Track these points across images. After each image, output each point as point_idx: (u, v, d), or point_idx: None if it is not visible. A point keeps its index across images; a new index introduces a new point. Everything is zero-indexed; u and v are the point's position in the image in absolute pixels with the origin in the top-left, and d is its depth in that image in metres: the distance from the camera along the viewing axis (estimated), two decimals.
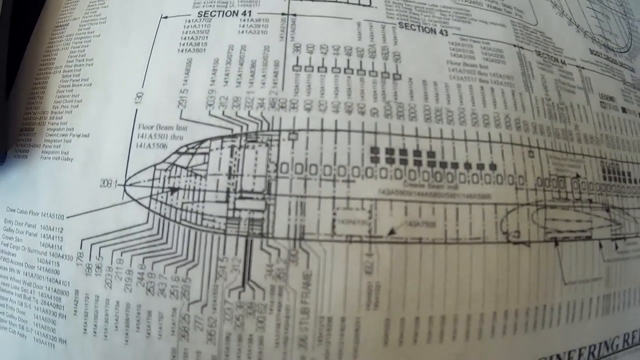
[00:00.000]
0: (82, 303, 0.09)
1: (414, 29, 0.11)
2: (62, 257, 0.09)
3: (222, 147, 0.09)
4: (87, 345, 0.09)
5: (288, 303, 0.09)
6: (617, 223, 0.12)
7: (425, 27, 0.11)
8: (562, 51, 0.14)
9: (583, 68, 0.14)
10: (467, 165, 0.10)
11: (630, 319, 0.12)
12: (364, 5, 0.11)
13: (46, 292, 0.10)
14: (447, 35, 0.11)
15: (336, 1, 0.11)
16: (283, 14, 0.11)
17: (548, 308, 0.10)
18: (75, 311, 0.09)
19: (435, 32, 0.11)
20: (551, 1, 0.15)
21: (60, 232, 0.10)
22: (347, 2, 0.11)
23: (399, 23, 0.11)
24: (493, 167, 0.10)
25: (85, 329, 0.09)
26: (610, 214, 0.12)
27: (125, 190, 0.09)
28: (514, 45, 0.12)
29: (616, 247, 0.12)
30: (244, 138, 0.09)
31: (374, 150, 0.09)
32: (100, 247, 0.09)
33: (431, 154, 0.10)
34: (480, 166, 0.10)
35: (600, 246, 0.12)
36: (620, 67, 0.15)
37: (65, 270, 0.09)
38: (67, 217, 0.10)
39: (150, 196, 0.09)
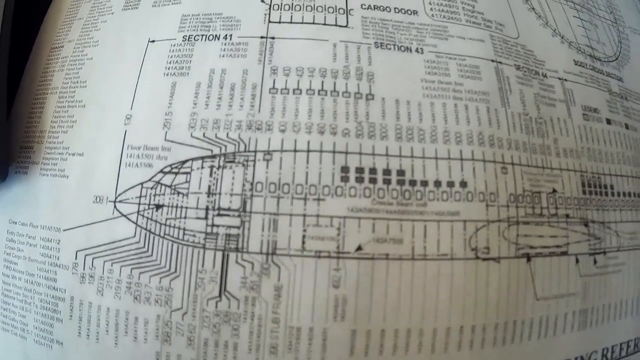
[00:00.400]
0: (77, 309, 0.11)
1: (390, 48, 0.12)
2: (59, 266, 0.11)
3: (202, 167, 0.10)
4: (81, 347, 0.11)
5: (260, 313, 0.10)
6: (597, 237, 0.13)
7: (401, 46, 0.12)
8: (544, 63, 0.14)
9: (566, 80, 0.14)
10: (437, 183, 0.11)
11: (609, 334, 0.13)
12: (340, 26, 0.12)
13: (45, 298, 0.11)
14: (422, 53, 0.12)
15: (314, 23, 0.12)
16: (262, 37, 0.12)
17: (519, 323, 0.11)
18: (71, 316, 0.11)
19: (410, 51, 0.12)
20: (535, 12, 0.15)
21: (58, 243, 0.11)
22: (324, 24, 0.12)
23: (375, 43, 0.12)
24: (463, 184, 0.11)
25: (79, 332, 0.11)
26: (589, 229, 0.13)
27: (115, 206, 0.11)
28: (492, 61, 0.13)
29: (595, 262, 0.13)
30: (222, 159, 0.10)
31: (344, 169, 0.10)
32: (93, 258, 0.11)
33: (401, 172, 0.10)
34: (451, 184, 0.11)
35: (577, 261, 0.12)
36: (606, 77, 0.16)
37: (62, 279, 0.11)
38: (64, 230, 0.11)
39: (138, 212, 0.10)
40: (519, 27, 0.15)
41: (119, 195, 0.11)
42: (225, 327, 0.10)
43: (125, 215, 0.11)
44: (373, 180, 0.11)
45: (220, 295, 0.10)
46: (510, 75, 0.13)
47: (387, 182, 0.11)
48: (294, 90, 0.11)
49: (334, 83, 0.11)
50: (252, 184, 0.10)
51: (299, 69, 0.11)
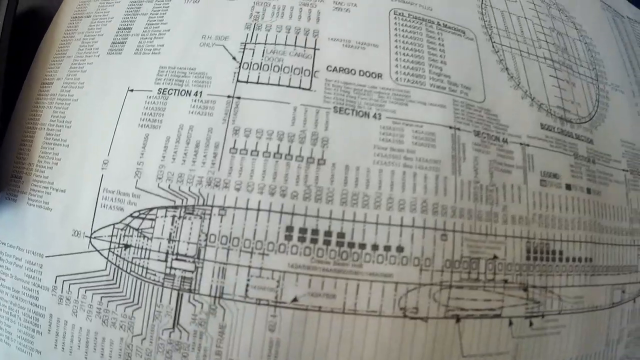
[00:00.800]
0: (55, 325, 0.14)
1: (348, 113, 0.14)
2: (41, 287, 0.14)
3: (165, 216, 0.13)
4: (57, 357, 0.14)
5: (206, 346, 0.13)
6: (536, 302, 0.15)
7: (360, 111, 0.14)
8: (507, 128, 0.16)
9: (528, 145, 0.16)
10: (374, 247, 0.13)
11: None
12: (304, 89, 0.14)
13: (27, 312, 0.14)
14: (380, 118, 0.14)
15: (279, 85, 0.14)
16: (229, 96, 0.14)
17: None
18: (49, 330, 0.14)
19: (368, 116, 0.14)
20: (508, 72, 0.17)
21: (40, 267, 0.14)
22: (289, 86, 0.14)
23: (334, 107, 0.14)
24: (400, 249, 0.13)
25: (55, 345, 0.14)
26: (529, 293, 0.15)
27: (90, 241, 0.14)
28: (450, 127, 0.15)
29: (531, 324, 0.15)
30: (183, 210, 0.13)
31: (289, 229, 0.13)
32: (70, 284, 0.14)
33: (341, 235, 0.13)
34: (387, 248, 0.13)
35: (511, 323, 0.15)
36: (574, 140, 0.17)
37: (43, 298, 0.14)
38: (46, 256, 0.14)
39: (109, 249, 0.13)
40: (487, 89, 0.17)
41: (94, 232, 0.14)
42: (176, 354, 0.13)
43: (98, 251, 0.14)
44: (314, 241, 0.13)
45: (173, 327, 0.13)
46: (467, 142, 0.15)
47: (327, 242, 0.13)
48: (251, 151, 0.14)
49: (290, 147, 0.14)
50: (206, 235, 0.13)
51: (259, 131, 0.14)
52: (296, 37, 0.16)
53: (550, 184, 0.17)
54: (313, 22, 0.16)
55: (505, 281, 0.15)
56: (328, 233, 0.14)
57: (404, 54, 0.16)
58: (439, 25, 0.18)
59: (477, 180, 0.15)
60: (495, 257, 0.15)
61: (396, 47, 0.16)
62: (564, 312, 0.16)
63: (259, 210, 0.14)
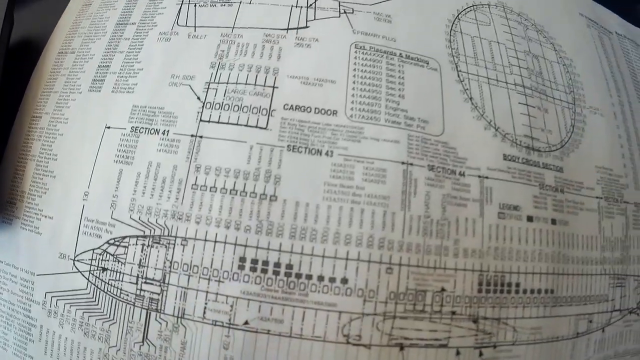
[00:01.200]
0: (44, 334, 0.18)
1: (300, 152, 0.17)
2: (33, 301, 0.18)
3: (136, 244, 0.17)
4: None
5: (170, 358, 0.16)
6: (487, 333, 0.18)
7: (312, 149, 0.17)
8: (465, 161, 0.18)
9: (487, 178, 0.18)
10: (320, 278, 0.16)
11: None
12: (260, 128, 0.17)
13: (22, 323, 0.18)
14: (331, 156, 0.17)
15: (237, 124, 0.17)
16: (192, 135, 0.17)
17: None
18: (40, 339, 0.18)
19: (320, 154, 0.17)
20: (472, 102, 0.19)
21: (32, 284, 0.18)
22: (247, 125, 0.17)
23: (287, 146, 0.17)
24: (344, 281, 0.16)
25: (45, 351, 0.18)
26: (479, 325, 0.18)
27: (74, 263, 0.17)
28: (403, 163, 0.17)
29: (480, 354, 0.18)
30: (151, 239, 0.17)
31: (242, 259, 0.16)
32: (57, 300, 0.18)
33: (289, 266, 0.16)
34: (332, 279, 0.16)
35: (458, 353, 0.17)
36: (541, 170, 0.19)
37: (34, 311, 0.18)
38: (37, 275, 0.18)
39: (89, 271, 0.17)
40: (447, 121, 0.19)
41: (77, 255, 0.18)
42: None
43: (80, 272, 0.18)
44: (264, 271, 0.16)
45: (143, 341, 0.17)
46: (419, 177, 0.18)
47: (276, 273, 0.16)
48: (210, 188, 0.17)
49: (245, 184, 0.17)
50: (171, 262, 0.17)
51: (218, 169, 0.17)
52: (257, 76, 0.19)
53: (510, 216, 0.19)
54: (274, 59, 0.19)
55: (453, 313, 0.18)
56: (277, 264, 0.17)
57: (361, 89, 0.19)
58: (401, 57, 0.20)
59: (428, 215, 0.18)
60: (443, 289, 0.18)
61: (354, 82, 0.19)
62: (519, 342, 0.19)
63: (215, 241, 0.17)
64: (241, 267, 0.17)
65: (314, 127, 0.18)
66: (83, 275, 0.18)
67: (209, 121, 0.18)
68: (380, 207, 0.18)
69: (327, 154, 0.18)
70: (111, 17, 0.21)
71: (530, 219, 0.20)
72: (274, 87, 0.19)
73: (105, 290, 0.18)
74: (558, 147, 0.21)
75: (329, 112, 0.19)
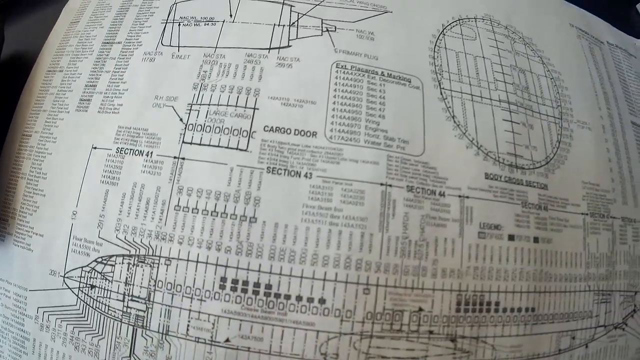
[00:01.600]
0: (37, 347, 0.19)
1: (280, 173, 0.18)
2: (26, 315, 0.20)
3: (122, 263, 0.18)
4: None
5: None
6: (465, 351, 0.19)
7: (292, 171, 0.18)
8: (446, 181, 0.19)
9: (467, 197, 0.19)
10: (299, 298, 0.17)
11: None
12: (241, 150, 0.18)
13: (16, 336, 0.20)
14: (310, 177, 0.18)
15: (218, 146, 0.18)
16: (175, 157, 0.18)
17: None
18: (33, 352, 0.20)
19: (299, 176, 0.18)
20: (454, 121, 0.20)
21: (25, 299, 0.20)
22: (227, 147, 0.18)
23: (267, 168, 0.18)
24: (322, 301, 0.17)
25: None
26: (457, 344, 0.19)
27: (64, 280, 0.19)
28: (381, 184, 0.18)
29: None
30: (136, 258, 0.18)
31: (223, 279, 0.17)
32: (49, 315, 0.19)
33: (268, 286, 0.17)
34: (310, 299, 0.17)
35: None
36: (524, 188, 0.20)
37: (27, 324, 0.20)
38: (30, 290, 0.20)
39: (79, 288, 0.19)
40: (428, 141, 0.20)
41: (66, 273, 0.19)
42: None
43: (70, 289, 0.19)
44: (244, 291, 0.17)
45: (130, 356, 0.18)
46: (398, 198, 0.19)
47: (255, 292, 0.17)
48: (192, 209, 0.18)
49: (225, 205, 0.18)
50: (155, 281, 0.18)
51: (199, 191, 0.18)
52: (238, 97, 0.20)
53: (490, 236, 0.20)
54: (255, 80, 0.20)
55: (431, 332, 0.19)
56: (257, 284, 0.18)
57: (341, 110, 0.20)
58: (383, 75, 0.21)
59: (406, 236, 0.19)
60: (420, 309, 0.19)
61: (334, 103, 0.20)
62: None
63: (197, 262, 0.18)
64: (222, 287, 0.18)
65: (293, 149, 0.19)
66: (73, 292, 0.20)
67: (190, 143, 0.19)
68: (358, 229, 0.19)
69: (306, 175, 0.19)
70: (98, 36, 0.23)
71: (511, 237, 0.21)
72: (254, 108, 0.20)
73: (94, 307, 0.19)
74: (543, 164, 0.22)
75: (308, 134, 0.20)
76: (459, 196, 0.20)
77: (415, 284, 0.19)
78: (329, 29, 0.22)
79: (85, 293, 0.20)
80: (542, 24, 0.25)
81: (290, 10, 0.23)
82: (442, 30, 0.24)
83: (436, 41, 0.23)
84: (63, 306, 0.20)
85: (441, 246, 0.20)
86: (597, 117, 0.24)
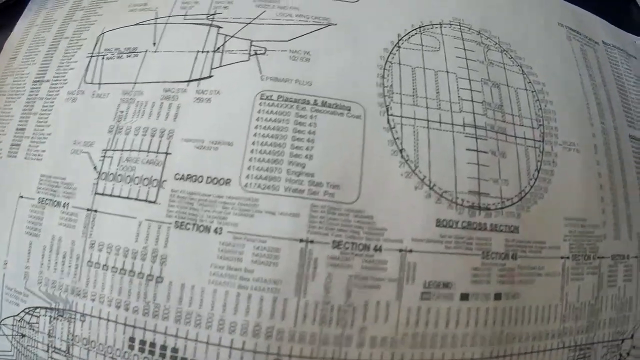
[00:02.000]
0: None
1: (188, 229, 0.17)
2: None
3: (45, 315, 0.19)
4: None
5: None
6: None
7: (201, 226, 0.17)
8: (384, 232, 0.17)
9: (410, 251, 0.17)
10: None
11: None
12: (149, 202, 0.18)
13: None
14: (220, 233, 0.17)
15: (128, 197, 0.18)
16: (88, 209, 0.18)
17: None
18: None
19: (209, 231, 0.17)
20: (402, 155, 0.17)
21: None
22: (137, 199, 0.18)
23: (175, 222, 0.17)
24: None
25: None
26: None
27: (1, 327, 0.20)
28: (300, 240, 0.16)
29: None
30: (56, 312, 0.18)
31: (131, 339, 0.17)
32: None
33: (175, 350, 0.17)
34: None
35: None
36: (487, 234, 0.17)
37: None
38: None
39: (12, 335, 0.20)
40: (365, 184, 0.17)
41: (1, 320, 0.20)
42: None
43: (5, 335, 0.20)
44: (152, 352, 0.17)
45: None
46: (320, 256, 0.17)
47: (162, 355, 0.17)
48: (103, 266, 0.18)
49: (133, 263, 0.17)
50: (73, 335, 0.18)
51: (109, 246, 0.18)
52: (151, 140, 0.19)
53: (437, 296, 0.17)
54: (170, 120, 0.19)
55: None
56: (163, 347, 0.17)
57: (260, 151, 0.18)
58: (316, 104, 0.18)
59: (327, 301, 0.17)
60: None
61: (254, 143, 0.18)
62: None
63: (108, 320, 0.18)
64: (131, 347, 0.18)
65: (203, 200, 0.18)
66: (8, 339, 0.21)
67: (103, 194, 0.19)
68: (269, 293, 0.17)
69: (215, 231, 0.18)
70: (30, 73, 0.23)
71: (464, 297, 0.18)
72: (166, 153, 0.19)
73: (25, 355, 0.20)
74: (515, 201, 0.18)
75: (221, 182, 0.18)
76: (400, 250, 0.18)
77: (336, 355, 0.17)
78: (258, 52, 0.20)
79: (17, 341, 0.21)
80: (523, 25, 0.20)
81: (217, 33, 0.21)
82: (397, 43, 0.20)
83: (388, 56, 0.20)
84: (2, 351, 0.21)
85: (372, 311, 0.17)
86: (588, 136, 0.20)
